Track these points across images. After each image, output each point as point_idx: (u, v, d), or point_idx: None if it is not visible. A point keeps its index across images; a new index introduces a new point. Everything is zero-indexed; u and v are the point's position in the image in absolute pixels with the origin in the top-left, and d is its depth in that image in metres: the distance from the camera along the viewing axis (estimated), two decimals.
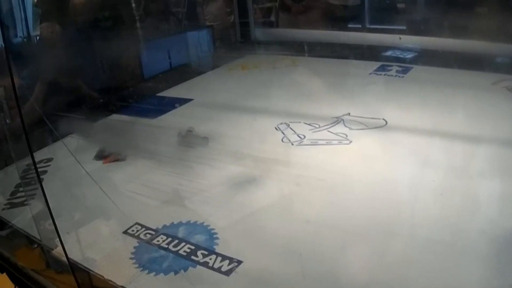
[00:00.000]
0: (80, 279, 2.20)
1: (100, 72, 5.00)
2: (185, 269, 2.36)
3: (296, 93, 4.35)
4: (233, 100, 4.49)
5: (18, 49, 4.69)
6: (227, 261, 2.35)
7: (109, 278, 2.34)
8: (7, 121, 3.44)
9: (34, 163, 2.04)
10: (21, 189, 3.31)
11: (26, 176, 3.15)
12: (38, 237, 2.58)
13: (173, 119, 4.30)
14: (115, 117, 4.54)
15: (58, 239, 2.18)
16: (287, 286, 2.18)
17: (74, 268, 2.14)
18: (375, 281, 2.13)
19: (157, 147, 3.64)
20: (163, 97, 4.91)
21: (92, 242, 2.69)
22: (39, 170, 3.54)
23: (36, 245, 2.71)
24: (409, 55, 5.29)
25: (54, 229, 2.09)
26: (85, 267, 2.45)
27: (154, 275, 2.35)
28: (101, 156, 3.60)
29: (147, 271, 2.38)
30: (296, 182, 2.96)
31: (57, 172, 3.51)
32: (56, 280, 2.33)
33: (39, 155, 3.70)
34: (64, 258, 2.11)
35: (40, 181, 2.77)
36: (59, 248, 2.13)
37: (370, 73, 4.87)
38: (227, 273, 2.27)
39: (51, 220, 2.09)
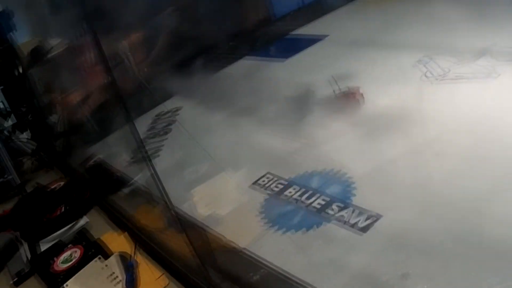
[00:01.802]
0: (200, 239, 2.07)
1: (229, 14, 4.87)
2: (318, 225, 2.17)
3: (437, 24, 3.90)
4: (370, 35, 4.13)
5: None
6: (364, 216, 2.13)
7: (232, 238, 2.23)
8: (134, 73, 3.45)
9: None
10: (146, 143, 3.29)
11: (153, 129, 3.11)
12: (159, 195, 2.52)
13: (306, 59, 4.08)
14: (246, 60, 4.43)
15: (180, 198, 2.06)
16: (431, 248, 1.88)
17: (194, 227, 2.02)
18: None
19: (290, 92, 3.45)
20: (296, 36, 4.69)
21: (218, 196, 2.61)
22: (168, 119, 3.52)
23: (157, 204, 2.65)
24: None
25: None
26: (206, 226, 2.38)
27: (283, 232, 2.19)
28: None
29: (276, 227, 2.24)
30: (440, 127, 2.62)
31: (186, 122, 3.44)
32: (175, 239, 2.24)
33: (169, 104, 3.66)
34: (185, 217, 2.00)
35: (168, 131, 2.69)
36: (182, 206, 2.02)
37: None
38: (364, 229, 2.06)
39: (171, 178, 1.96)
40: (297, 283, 1.90)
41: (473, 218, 1.96)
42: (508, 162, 2.21)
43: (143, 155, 1.83)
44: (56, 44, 3.66)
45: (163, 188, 1.79)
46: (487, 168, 2.22)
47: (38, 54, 3.66)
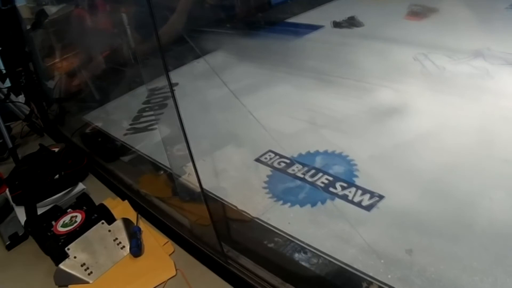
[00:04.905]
0: (211, 209, 2.08)
1: None
2: (323, 202, 2.22)
3: (434, 24, 4.06)
4: (369, 29, 4.26)
5: None
6: (367, 195, 2.19)
7: (242, 209, 2.26)
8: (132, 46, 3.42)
9: (170, 84, 1.92)
10: (144, 114, 3.28)
11: (151, 101, 3.08)
12: (163, 163, 2.51)
13: (304, 44, 4.18)
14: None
15: (187, 166, 2.06)
16: (433, 227, 1.96)
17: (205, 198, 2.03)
18: None
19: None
20: (293, 23, 4.74)
21: (223, 170, 2.63)
22: (163, 95, 3.50)
23: (161, 172, 2.66)
24: None
25: (183, 155, 1.97)
26: (217, 197, 2.39)
27: (289, 207, 2.24)
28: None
29: (281, 201, 2.28)
30: (437, 115, 2.74)
31: (184, 98, 3.44)
32: (182, 209, 2.25)
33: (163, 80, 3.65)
34: (192, 186, 2.00)
35: (176, 103, 2.68)
36: (189, 176, 2.02)
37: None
38: (368, 208, 2.12)
39: (179, 146, 1.96)
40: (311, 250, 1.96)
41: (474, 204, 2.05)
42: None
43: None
44: (60, 7, 3.64)
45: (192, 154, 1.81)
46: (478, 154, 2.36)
47: (40, 17, 3.62)
